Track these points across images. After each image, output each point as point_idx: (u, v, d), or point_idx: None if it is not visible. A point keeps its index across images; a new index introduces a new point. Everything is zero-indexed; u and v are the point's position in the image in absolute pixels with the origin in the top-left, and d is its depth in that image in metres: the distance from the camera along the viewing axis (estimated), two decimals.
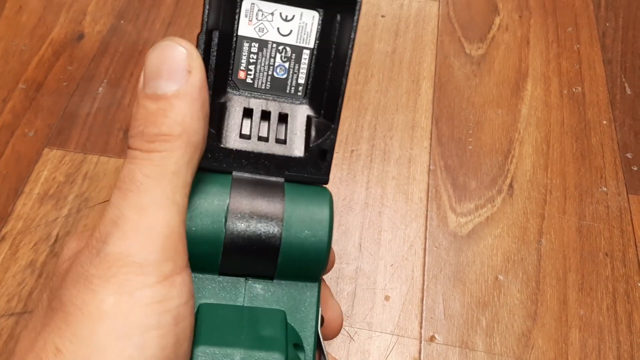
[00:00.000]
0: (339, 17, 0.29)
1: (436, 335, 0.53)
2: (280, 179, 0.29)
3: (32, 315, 0.25)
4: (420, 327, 0.54)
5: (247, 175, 0.29)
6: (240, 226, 0.27)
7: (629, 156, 0.65)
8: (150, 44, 0.73)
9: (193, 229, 0.27)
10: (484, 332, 0.54)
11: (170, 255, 0.24)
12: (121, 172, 0.24)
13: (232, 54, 0.30)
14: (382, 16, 0.76)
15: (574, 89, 0.70)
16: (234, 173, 0.29)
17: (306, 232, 0.28)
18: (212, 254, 0.27)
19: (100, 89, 0.69)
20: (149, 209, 0.23)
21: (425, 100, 0.68)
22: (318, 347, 0.29)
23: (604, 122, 0.67)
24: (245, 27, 0.29)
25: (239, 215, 0.27)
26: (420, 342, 0.53)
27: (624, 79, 0.71)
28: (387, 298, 0.55)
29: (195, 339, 0.26)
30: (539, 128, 0.66)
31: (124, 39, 0.74)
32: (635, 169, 0.64)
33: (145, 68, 0.25)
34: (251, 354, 0.25)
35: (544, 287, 0.56)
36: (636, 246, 0.59)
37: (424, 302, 0.55)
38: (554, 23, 0.76)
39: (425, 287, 0.56)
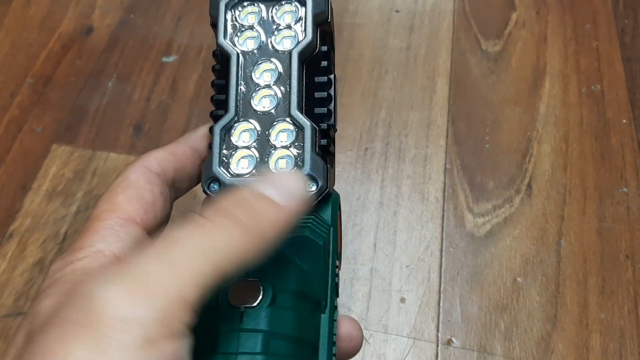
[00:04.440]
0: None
1: (453, 339, 0.52)
2: None
3: (8, 348, 0.22)
4: (437, 330, 0.53)
5: None
6: None
7: None
8: (160, 38, 0.72)
9: None
10: (502, 335, 0.52)
11: (166, 319, 0.20)
12: (171, 225, 0.23)
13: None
14: (397, 11, 0.75)
15: (592, 87, 0.68)
16: None
17: None
18: None
19: (110, 83, 0.68)
20: (168, 266, 0.21)
21: (441, 97, 0.67)
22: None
23: (624, 121, 0.65)
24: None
25: None
26: (437, 346, 0.52)
27: None
28: (402, 300, 0.54)
29: None
30: (557, 127, 0.65)
31: (133, 33, 0.72)
32: None
33: (266, 178, 0.26)
34: None
35: (563, 290, 0.55)
36: None
37: (441, 304, 0.54)
38: (571, 20, 0.74)
39: (442, 289, 0.55)
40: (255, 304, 0.26)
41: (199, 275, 0.21)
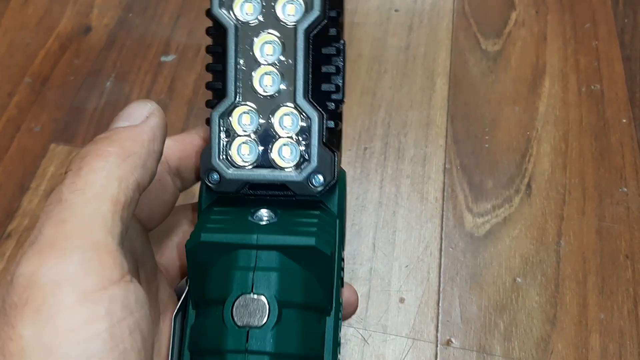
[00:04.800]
0: None
1: (453, 339, 0.52)
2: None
3: None
4: (437, 331, 0.52)
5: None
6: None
7: None
8: (158, 37, 0.71)
9: None
10: (502, 336, 0.52)
11: (92, 268, 0.20)
12: (50, 197, 0.23)
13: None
14: (396, 10, 0.74)
15: (592, 87, 0.68)
16: None
17: None
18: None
19: (108, 83, 0.68)
20: (67, 221, 0.21)
21: (440, 97, 0.67)
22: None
23: (624, 120, 0.65)
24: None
25: None
26: (437, 346, 0.52)
27: None
28: (402, 300, 0.54)
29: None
30: (557, 126, 0.65)
31: (131, 32, 0.72)
32: None
33: (123, 111, 0.26)
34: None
35: (563, 290, 0.55)
36: None
37: (440, 304, 0.54)
38: (571, 19, 0.74)
39: (441, 289, 0.54)
40: (261, 324, 0.25)
41: (101, 216, 0.22)
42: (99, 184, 0.22)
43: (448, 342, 0.52)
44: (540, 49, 0.71)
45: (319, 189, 0.28)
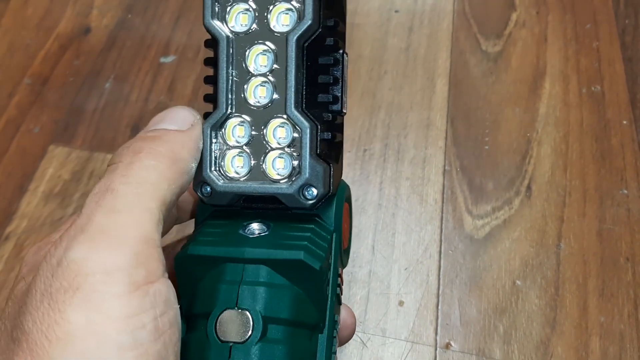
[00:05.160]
0: None
1: (452, 342, 0.52)
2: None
3: None
4: (436, 334, 0.52)
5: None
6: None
7: None
8: (158, 38, 0.71)
9: None
10: (501, 339, 0.52)
11: (143, 261, 0.21)
12: (97, 184, 0.23)
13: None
14: (396, 11, 0.74)
15: (593, 88, 0.68)
16: None
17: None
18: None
19: (108, 84, 0.68)
20: (121, 212, 0.22)
21: (441, 98, 0.67)
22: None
23: (624, 122, 0.65)
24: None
25: None
26: (436, 350, 0.51)
27: None
28: (401, 303, 0.54)
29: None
30: (557, 128, 0.64)
31: (131, 33, 0.72)
32: None
33: (150, 122, 0.27)
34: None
35: (563, 292, 0.54)
36: None
37: (440, 307, 0.54)
38: (572, 19, 0.74)
39: (440, 292, 0.54)
40: (244, 340, 0.25)
41: (150, 213, 0.23)
42: (150, 181, 0.23)
43: (447, 346, 0.52)
44: (540, 50, 0.71)
45: (311, 201, 0.27)
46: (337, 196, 0.29)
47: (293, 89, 0.27)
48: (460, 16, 0.74)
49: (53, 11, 0.74)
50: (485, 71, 0.69)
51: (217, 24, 0.28)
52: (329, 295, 0.28)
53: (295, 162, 0.27)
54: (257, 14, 0.27)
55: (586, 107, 0.66)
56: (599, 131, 0.64)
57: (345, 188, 0.31)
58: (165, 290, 0.22)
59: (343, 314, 0.31)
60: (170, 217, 0.30)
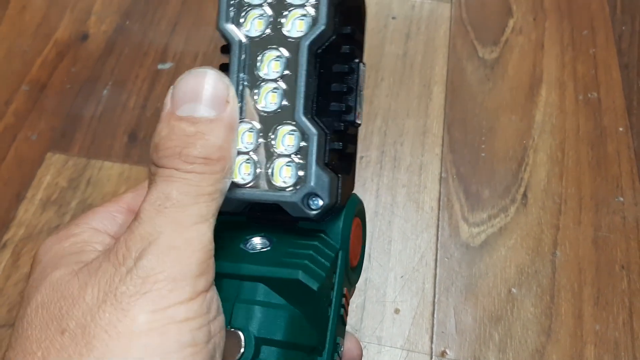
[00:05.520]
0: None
1: (447, 351, 0.52)
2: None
3: (18, 334, 0.23)
4: (431, 342, 0.52)
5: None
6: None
7: None
8: (156, 44, 0.72)
9: None
10: (496, 347, 0.52)
11: (204, 270, 0.23)
12: (152, 189, 0.24)
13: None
14: (393, 18, 0.74)
15: (589, 95, 0.68)
16: None
17: None
18: None
19: (105, 90, 0.68)
20: (186, 225, 0.23)
21: (437, 105, 0.67)
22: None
23: (620, 129, 0.65)
24: None
25: None
26: (431, 358, 0.52)
27: None
28: (397, 311, 0.54)
29: None
30: (553, 135, 0.65)
31: (129, 39, 0.72)
32: None
33: (178, 90, 0.25)
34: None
35: (558, 300, 0.55)
36: None
37: (435, 315, 0.54)
38: (569, 26, 0.74)
39: (436, 300, 0.54)
40: None
41: (206, 221, 0.23)
42: (207, 192, 0.24)
43: (443, 354, 0.52)
44: (537, 57, 0.71)
45: (315, 212, 0.26)
46: (345, 211, 0.28)
47: (302, 95, 0.26)
48: (457, 23, 0.74)
49: (51, 17, 0.74)
50: (482, 78, 0.69)
51: (230, 27, 0.27)
52: (331, 316, 0.27)
53: (302, 172, 0.26)
54: (271, 20, 0.27)
55: (582, 114, 0.66)
56: (595, 138, 0.65)
57: (357, 203, 0.30)
58: (216, 297, 0.23)
59: (349, 345, 0.30)
60: None
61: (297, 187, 0.26)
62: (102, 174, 0.61)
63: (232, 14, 0.27)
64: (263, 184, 0.27)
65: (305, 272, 0.25)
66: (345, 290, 0.28)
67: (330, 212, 0.27)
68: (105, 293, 0.22)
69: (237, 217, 0.28)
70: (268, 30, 0.27)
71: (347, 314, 0.29)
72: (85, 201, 0.59)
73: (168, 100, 0.25)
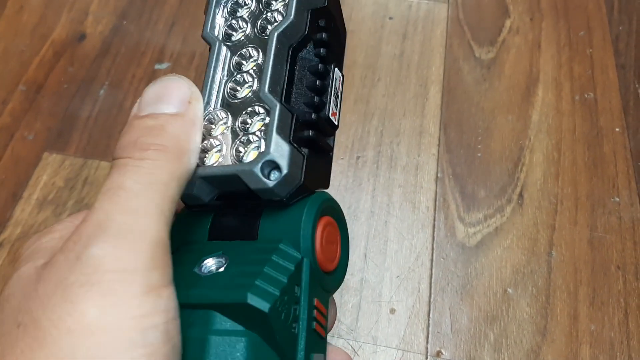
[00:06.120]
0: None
1: (443, 351, 0.52)
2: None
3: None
4: (427, 342, 0.52)
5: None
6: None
7: None
8: (152, 44, 0.72)
9: None
10: (492, 347, 0.52)
11: (158, 264, 0.22)
12: (107, 180, 0.23)
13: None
14: (390, 18, 0.74)
15: (586, 95, 0.68)
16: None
17: None
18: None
19: (102, 91, 0.68)
20: (139, 213, 0.22)
21: (434, 105, 0.67)
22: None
23: (617, 129, 0.65)
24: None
25: None
26: (427, 358, 0.52)
27: (637, 85, 0.69)
28: (392, 311, 0.54)
29: None
30: (550, 135, 0.65)
31: (126, 40, 0.72)
32: None
33: (144, 96, 0.25)
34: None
35: (554, 300, 0.55)
36: None
37: (431, 315, 0.54)
38: (566, 26, 0.74)
39: (432, 300, 0.55)
40: None
41: (161, 213, 0.22)
42: (162, 182, 0.23)
43: (438, 354, 0.52)
44: (534, 57, 0.71)
45: (274, 182, 0.24)
46: (306, 211, 0.26)
47: (269, 75, 0.26)
48: (454, 23, 0.74)
49: (48, 17, 0.74)
50: (478, 78, 0.69)
51: (211, 34, 0.28)
52: (299, 333, 0.24)
53: (264, 146, 0.25)
54: (255, 27, 0.28)
55: (579, 114, 0.66)
56: (592, 139, 0.65)
57: (321, 201, 0.27)
58: (173, 295, 0.22)
59: (335, 359, 0.28)
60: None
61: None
62: (99, 173, 0.61)
63: (220, 21, 0.28)
64: (227, 162, 0.26)
65: (255, 294, 0.23)
66: (316, 301, 0.26)
67: (297, 193, 0.26)
68: (55, 284, 0.21)
69: (206, 212, 0.27)
70: (251, 33, 0.28)
71: (325, 326, 0.27)
72: (81, 201, 0.59)
73: (134, 107, 0.25)
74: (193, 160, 0.25)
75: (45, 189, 0.60)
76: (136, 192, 0.22)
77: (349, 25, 0.73)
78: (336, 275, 0.28)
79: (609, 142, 0.64)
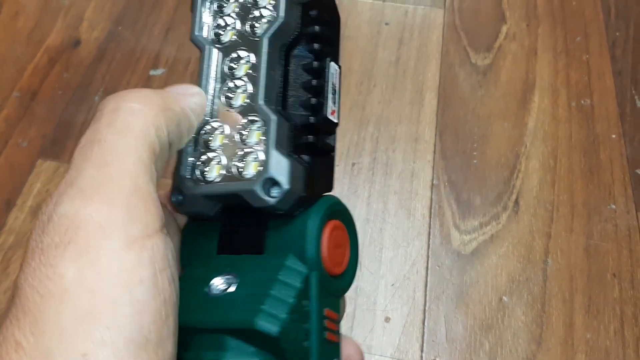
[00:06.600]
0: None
1: (438, 359, 0.52)
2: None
3: None
4: (422, 351, 0.52)
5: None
6: None
7: (639, 172, 0.63)
8: (148, 51, 0.71)
9: None
10: (487, 356, 0.52)
11: (138, 214, 0.20)
12: (83, 136, 0.22)
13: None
14: (386, 24, 0.74)
15: (582, 102, 0.68)
16: None
17: None
18: None
19: (97, 97, 0.68)
20: (111, 163, 0.21)
21: (429, 111, 0.67)
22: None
23: (613, 136, 0.65)
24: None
25: None
26: None
27: (634, 92, 0.69)
28: (387, 319, 0.54)
29: None
30: (546, 142, 0.64)
31: (121, 46, 0.72)
32: None
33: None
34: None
35: (549, 309, 0.54)
36: None
37: (426, 324, 0.53)
38: (562, 32, 0.74)
39: (427, 308, 0.54)
40: None
41: (143, 163, 0.21)
42: (138, 128, 0.22)
43: None
44: (530, 63, 0.71)
45: (275, 199, 0.24)
46: (310, 222, 0.25)
47: (263, 84, 0.25)
48: (450, 29, 0.74)
49: (43, 23, 0.74)
50: (474, 85, 0.69)
51: (200, 37, 0.27)
52: (312, 346, 0.24)
53: (264, 160, 0.25)
54: (244, 26, 0.27)
55: (575, 121, 0.66)
56: (588, 145, 0.64)
57: (327, 207, 0.27)
58: (162, 245, 0.21)
59: (349, 352, 0.28)
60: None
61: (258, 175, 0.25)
62: None
63: (207, 21, 0.27)
64: (229, 179, 0.25)
65: (262, 319, 0.22)
66: (326, 311, 0.25)
67: (299, 204, 0.25)
68: (32, 250, 0.20)
69: (211, 222, 0.27)
70: (235, 37, 0.27)
71: (337, 330, 0.26)
72: None
73: None
74: (179, 122, 0.24)
75: (39, 197, 0.60)
76: (110, 142, 0.21)
77: (344, 31, 0.73)
78: (346, 277, 0.28)
79: (606, 149, 0.64)
